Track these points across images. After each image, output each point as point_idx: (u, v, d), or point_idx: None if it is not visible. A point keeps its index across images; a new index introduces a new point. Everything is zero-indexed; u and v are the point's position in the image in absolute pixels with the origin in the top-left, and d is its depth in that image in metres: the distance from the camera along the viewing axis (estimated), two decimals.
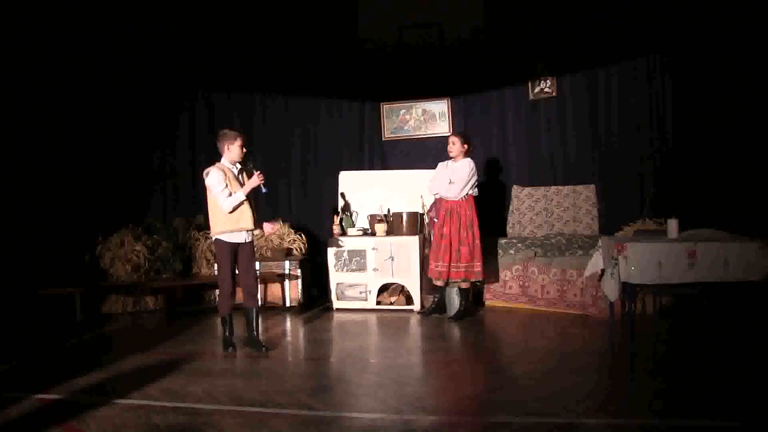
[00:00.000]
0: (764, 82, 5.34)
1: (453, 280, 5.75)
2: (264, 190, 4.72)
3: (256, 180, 4.63)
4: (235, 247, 4.71)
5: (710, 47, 5.79)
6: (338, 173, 7.12)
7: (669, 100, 6.14)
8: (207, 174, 4.68)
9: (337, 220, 6.60)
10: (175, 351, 4.79)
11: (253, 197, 4.78)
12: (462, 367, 4.29)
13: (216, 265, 5.07)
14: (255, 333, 4.83)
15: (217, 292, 6.55)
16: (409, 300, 6.32)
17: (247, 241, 4.76)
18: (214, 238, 4.74)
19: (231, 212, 4.62)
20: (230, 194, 4.61)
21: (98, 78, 6.77)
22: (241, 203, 4.65)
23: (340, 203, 6.90)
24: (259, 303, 6.38)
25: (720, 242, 3.62)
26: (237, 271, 4.82)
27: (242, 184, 4.72)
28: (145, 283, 6.29)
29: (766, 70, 5.33)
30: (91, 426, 3.21)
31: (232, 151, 4.72)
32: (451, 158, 5.93)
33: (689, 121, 5.98)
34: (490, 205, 7.47)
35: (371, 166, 7.69)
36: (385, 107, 7.73)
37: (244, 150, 4.77)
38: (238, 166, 4.80)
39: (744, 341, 4.54)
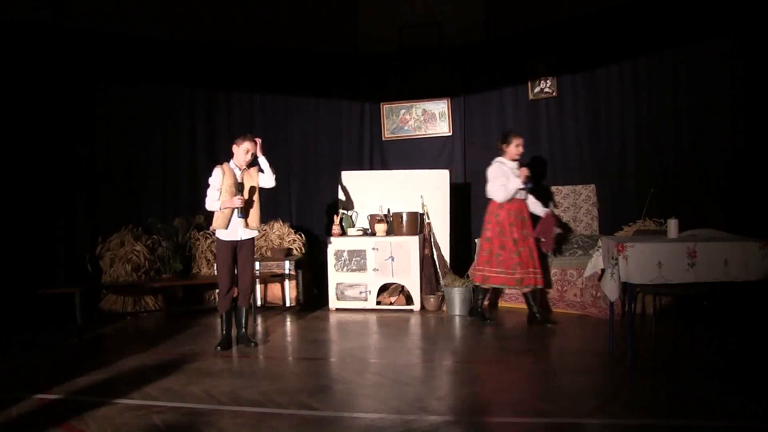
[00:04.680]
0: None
1: (532, 287, 5.49)
2: (239, 216, 4.76)
3: (236, 202, 4.69)
4: (234, 245, 4.79)
5: (711, 45, 5.79)
6: (338, 173, 7.13)
7: (669, 99, 6.13)
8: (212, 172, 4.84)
9: (337, 219, 6.60)
10: (175, 351, 4.80)
11: (257, 199, 4.90)
12: (462, 367, 4.29)
13: (216, 263, 5.13)
14: (244, 330, 4.97)
15: (218, 290, 6.60)
16: (409, 300, 6.33)
17: (244, 238, 4.81)
18: (215, 236, 4.89)
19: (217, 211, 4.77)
20: (218, 197, 4.73)
21: (95, 77, 6.77)
22: (226, 210, 4.73)
23: (341, 202, 6.91)
24: (258, 303, 6.42)
25: (720, 242, 3.61)
26: (236, 271, 4.90)
27: (241, 187, 4.76)
28: (145, 283, 6.29)
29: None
30: (91, 426, 3.21)
31: (235, 155, 4.83)
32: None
33: (689, 121, 5.98)
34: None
35: (371, 166, 7.70)
36: (385, 107, 7.74)
37: (249, 158, 4.81)
38: (246, 168, 4.87)
39: (744, 341, 4.54)
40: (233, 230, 4.77)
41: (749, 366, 3.98)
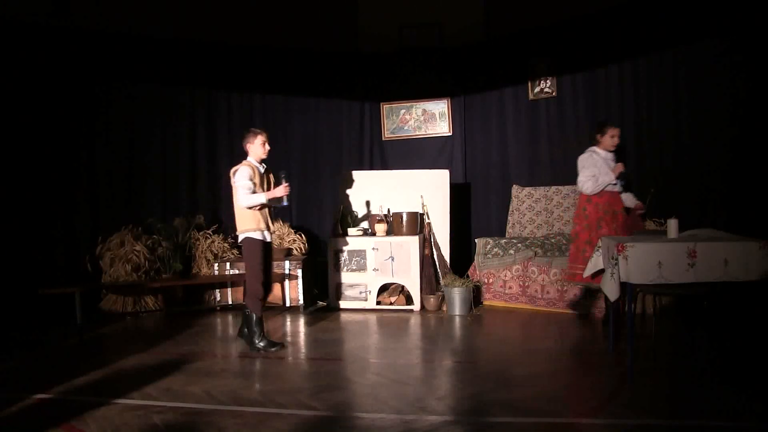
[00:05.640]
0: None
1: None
2: (285, 203, 4.83)
3: (282, 190, 4.72)
4: (265, 246, 4.80)
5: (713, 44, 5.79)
6: (338, 173, 7.13)
7: (669, 99, 6.13)
8: (235, 171, 4.76)
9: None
10: (175, 351, 4.80)
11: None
12: (462, 367, 4.29)
13: (245, 264, 4.84)
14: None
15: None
16: (409, 300, 6.33)
17: (269, 240, 4.87)
18: (242, 237, 4.76)
19: (249, 208, 4.70)
20: (253, 192, 4.69)
21: (95, 77, 6.76)
22: (261, 206, 4.72)
23: (341, 202, 6.91)
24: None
25: (720, 242, 3.61)
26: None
27: (267, 184, 4.84)
28: (145, 283, 6.28)
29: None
30: (91, 426, 3.21)
31: (254, 150, 4.82)
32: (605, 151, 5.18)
33: (689, 121, 5.98)
34: (490, 205, 7.50)
35: (371, 166, 7.70)
36: (385, 107, 7.74)
37: (268, 147, 4.85)
38: (264, 165, 4.90)
39: (744, 341, 4.54)
40: (265, 231, 4.77)
41: (749, 366, 3.98)
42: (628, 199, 5.25)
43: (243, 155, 7.63)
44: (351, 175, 7.03)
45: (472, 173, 7.65)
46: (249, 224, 4.71)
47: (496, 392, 3.62)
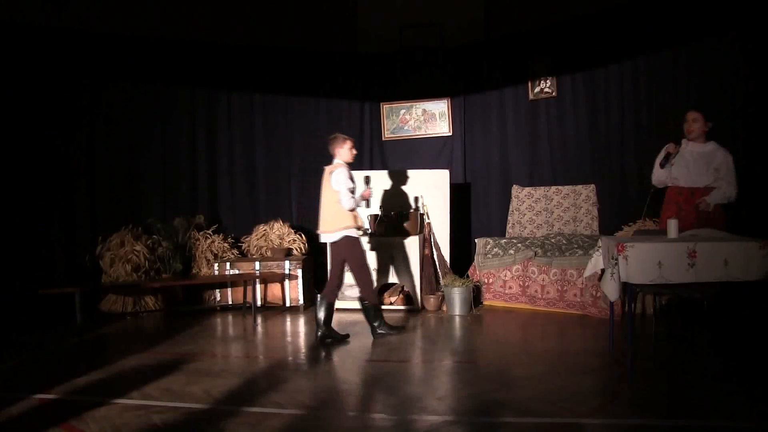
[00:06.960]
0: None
1: None
2: (366, 207, 5.16)
3: (368, 193, 5.05)
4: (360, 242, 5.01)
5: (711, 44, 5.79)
6: None
7: (669, 99, 6.13)
8: (333, 171, 4.95)
9: None
10: (175, 351, 4.79)
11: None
12: (462, 367, 4.29)
13: (351, 261, 4.98)
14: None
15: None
16: (409, 300, 6.32)
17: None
18: (340, 235, 4.90)
19: (350, 211, 4.91)
20: (352, 192, 4.90)
21: (95, 77, 6.76)
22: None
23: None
24: (258, 303, 6.41)
25: (720, 242, 3.61)
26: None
27: (367, 179, 5.25)
28: (145, 283, 6.28)
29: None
30: (91, 426, 3.21)
31: (342, 153, 5.02)
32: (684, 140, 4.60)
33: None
34: (490, 205, 7.50)
35: (371, 166, 7.70)
36: (385, 107, 7.74)
37: (354, 152, 5.09)
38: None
39: (744, 341, 4.54)
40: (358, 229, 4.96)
41: (749, 366, 3.98)
42: (713, 194, 4.51)
43: (243, 155, 7.65)
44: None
45: (472, 173, 7.65)
46: (347, 221, 4.88)
47: (496, 392, 3.61)
